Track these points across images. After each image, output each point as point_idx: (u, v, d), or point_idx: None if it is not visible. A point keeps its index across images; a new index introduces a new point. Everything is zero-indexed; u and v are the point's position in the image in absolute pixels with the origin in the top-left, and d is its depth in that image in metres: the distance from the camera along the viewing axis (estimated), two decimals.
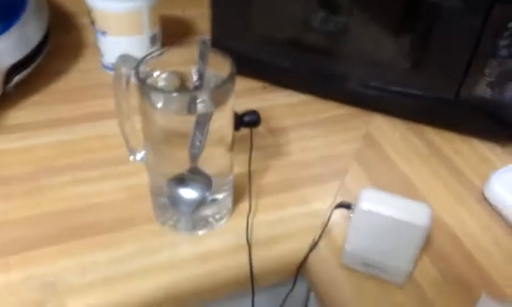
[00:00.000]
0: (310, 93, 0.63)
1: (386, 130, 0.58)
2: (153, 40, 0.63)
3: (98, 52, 0.65)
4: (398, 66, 0.56)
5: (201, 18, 0.78)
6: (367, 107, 0.60)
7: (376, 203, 0.37)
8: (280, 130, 0.57)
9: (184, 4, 0.79)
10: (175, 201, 0.43)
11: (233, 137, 0.42)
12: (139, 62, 0.38)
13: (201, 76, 0.40)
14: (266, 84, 0.64)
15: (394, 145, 0.55)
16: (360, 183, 0.50)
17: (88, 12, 0.61)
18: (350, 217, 0.39)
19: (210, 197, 0.43)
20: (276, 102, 0.61)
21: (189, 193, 0.43)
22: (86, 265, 0.41)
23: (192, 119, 0.38)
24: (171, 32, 0.70)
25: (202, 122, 0.38)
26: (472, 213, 0.47)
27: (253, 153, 0.50)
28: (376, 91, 0.57)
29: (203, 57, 0.39)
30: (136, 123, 0.42)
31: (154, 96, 0.38)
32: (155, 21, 0.63)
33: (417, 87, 0.55)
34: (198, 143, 0.39)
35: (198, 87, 0.40)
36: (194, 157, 0.40)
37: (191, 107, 0.38)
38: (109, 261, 0.41)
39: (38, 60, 0.60)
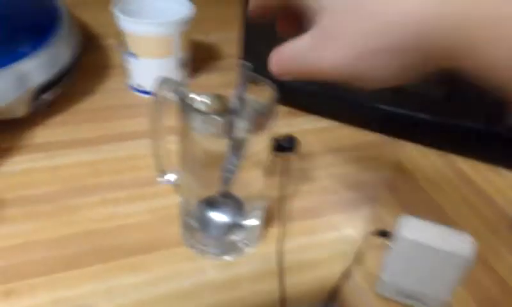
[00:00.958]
0: (337, 119, 0.62)
1: (417, 157, 0.57)
2: (182, 63, 0.64)
3: (124, 73, 0.65)
4: (428, 93, 0.55)
5: (226, 42, 0.79)
6: (395, 135, 0.59)
7: (417, 232, 0.36)
8: (308, 155, 0.56)
9: (207, 29, 0.80)
10: (205, 224, 0.43)
11: (269, 161, 0.42)
12: (181, 84, 0.38)
13: (241, 100, 0.39)
14: (292, 109, 0.64)
15: (425, 173, 0.54)
16: (391, 210, 0.49)
17: (119, 34, 0.62)
18: (388, 245, 0.38)
19: (241, 222, 0.42)
20: (302, 127, 0.61)
21: (219, 217, 0.43)
22: (113, 289, 0.40)
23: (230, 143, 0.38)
24: (198, 56, 0.70)
25: (238, 146, 0.38)
26: (506, 242, 0.46)
27: (282, 178, 0.49)
28: (405, 119, 0.57)
29: (244, 81, 0.38)
30: (168, 143, 0.42)
31: (195, 117, 0.38)
32: (186, 45, 0.63)
33: (448, 115, 0.55)
34: (231, 167, 0.39)
35: (237, 112, 0.40)
36: (227, 181, 0.40)
37: (230, 131, 0.38)
38: (137, 285, 0.40)
39: (67, 81, 0.60)
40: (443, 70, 0.17)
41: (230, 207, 0.42)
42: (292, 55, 0.22)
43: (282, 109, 0.64)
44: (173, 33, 0.60)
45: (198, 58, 0.71)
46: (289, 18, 0.23)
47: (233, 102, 0.39)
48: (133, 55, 0.61)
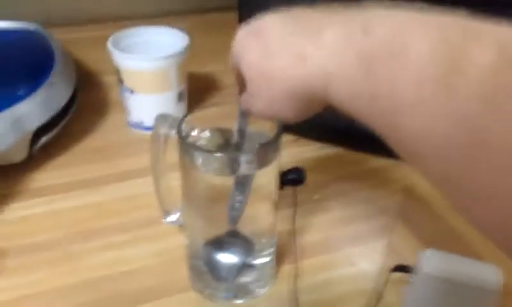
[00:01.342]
0: (343, 145, 0.61)
1: (427, 182, 0.55)
2: (180, 97, 0.62)
3: (124, 110, 0.64)
4: None
5: (224, 72, 0.77)
6: (402, 158, 0.58)
7: (439, 266, 0.34)
8: (317, 184, 0.54)
9: (204, 60, 0.79)
10: (213, 267, 0.41)
11: (277, 195, 0.40)
12: (181, 120, 0.37)
13: (242, 134, 0.38)
14: (297, 137, 0.62)
15: (439, 198, 0.52)
16: (408, 241, 0.47)
17: (116, 71, 0.61)
18: (409, 281, 0.36)
19: (251, 262, 0.40)
20: (308, 155, 0.59)
21: (228, 258, 0.41)
22: None
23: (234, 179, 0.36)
24: (196, 89, 0.69)
25: (243, 182, 0.36)
26: None
27: (291, 211, 0.47)
28: None
29: (244, 114, 0.37)
30: (170, 180, 0.41)
31: (196, 155, 0.36)
32: (183, 78, 0.62)
33: None
34: (237, 204, 0.37)
35: (238, 146, 0.38)
36: (233, 219, 0.38)
37: (233, 167, 0.36)
38: None
39: (65, 121, 0.59)
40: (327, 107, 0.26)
41: (238, 247, 0.40)
42: (244, 104, 0.35)
43: (286, 138, 0.62)
44: (170, 67, 0.59)
45: (197, 90, 0.70)
46: (240, 80, 0.34)
47: (235, 135, 0.37)
48: (130, 91, 0.60)
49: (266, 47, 0.29)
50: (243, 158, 0.36)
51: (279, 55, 0.27)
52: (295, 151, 0.60)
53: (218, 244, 0.40)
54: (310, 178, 0.55)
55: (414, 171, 0.55)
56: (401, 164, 0.57)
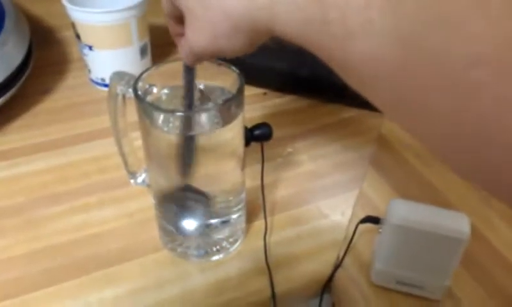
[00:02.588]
0: (313, 97, 0.59)
1: (400, 130, 0.55)
2: (143, 51, 0.60)
3: (84, 67, 0.61)
4: None
5: None
6: (376, 108, 0.57)
7: (408, 216, 0.34)
8: (287, 138, 0.53)
9: None
10: (177, 225, 0.40)
11: (245, 152, 0.39)
12: (137, 79, 0.35)
13: (190, 88, 0.35)
14: (266, 91, 0.61)
15: (411, 147, 0.52)
16: (379, 191, 0.47)
17: (72, 25, 0.57)
18: (379, 232, 0.36)
19: (222, 219, 0.40)
20: (278, 109, 0.58)
21: (188, 214, 0.40)
22: (92, 304, 0.37)
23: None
24: (160, 42, 0.66)
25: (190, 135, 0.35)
26: (504, 217, 0.44)
27: (262, 167, 0.46)
28: None
29: (188, 71, 0.34)
30: (135, 141, 0.39)
31: (154, 114, 0.34)
32: (144, 31, 0.59)
33: None
34: (188, 158, 0.35)
35: (189, 102, 0.36)
36: (186, 173, 0.36)
37: (192, 126, 0.35)
38: (116, 297, 0.37)
39: (21, 80, 0.55)
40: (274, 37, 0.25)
41: (197, 202, 0.39)
42: (185, 48, 0.31)
43: (255, 91, 0.61)
44: (128, 20, 0.56)
45: (162, 44, 0.67)
46: (178, 21, 0.32)
47: (196, 92, 0.35)
48: (88, 47, 0.57)
49: None
50: (205, 116, 0.34)
51: None
52: (263, 105, 0.59)
53: (179, 200, 0.39)
54: (281, 131, 0.54)
55: (387, 121, 0.55)
56: (374, 115, 0.57)
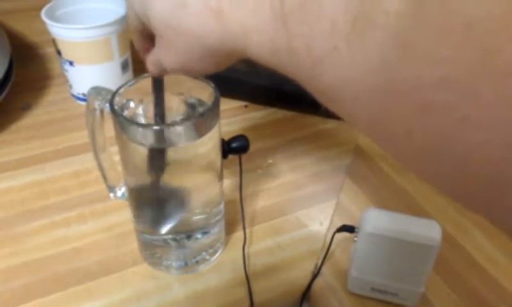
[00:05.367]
0: (293, 109, 0.60)
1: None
2: (124, 67, 0.60)
3: (66, 82, 0.61)
4: None
5: None
6: None
7: (381, 225, 0.34)
8: (267, 149, 0.54)
9: None
10: (156, 225, 0.40)
11: (222, 164, 0.39)
12: (114, 93, 0.35)
13: (160, 102, 0.36)
14: (247, 103, 0.62)
15: (386, 157, 0.53)
16: (356, 200, 0.48)
17: (53, 41, 0.58)
18: (354, 240, 0.37)
19: (202, 230, 0.40)
20: (259, 121, 0.59)
21: (166, 210, 0.40)
22: None
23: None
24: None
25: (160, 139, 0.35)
26: (477, 224, 0.45)
27: (240, 178, 0.47)
28: None
29: (157, 84, 0.35)
30: (113, 155, 0.39)
31: (130, 129, 0.35)
32: (125, 47, 0.60)
33: None
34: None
35: (160, 116, 0.36)
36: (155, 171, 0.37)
37: (168, 139, 0.35)
38: None
39: (2, 96, 0.56)
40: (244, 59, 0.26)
41: (172, 200, 0.39)
42: (154, 62, 0.32)
43: (236, 104, 0.61)
44: (109, 35, 0.56)
45: (142, 59, 0.67)
46: (145, 37, 0.33)
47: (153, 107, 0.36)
48: (70, 63, 0.57)
49: None
50: (179, 129, 0.35)
51: (194, 6, 0.25)
52: (244, 117, 0.60)
53: (154, 199, 0.40)
54: (261, 143, 0.55)
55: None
56: (351, 126, 0.58)
